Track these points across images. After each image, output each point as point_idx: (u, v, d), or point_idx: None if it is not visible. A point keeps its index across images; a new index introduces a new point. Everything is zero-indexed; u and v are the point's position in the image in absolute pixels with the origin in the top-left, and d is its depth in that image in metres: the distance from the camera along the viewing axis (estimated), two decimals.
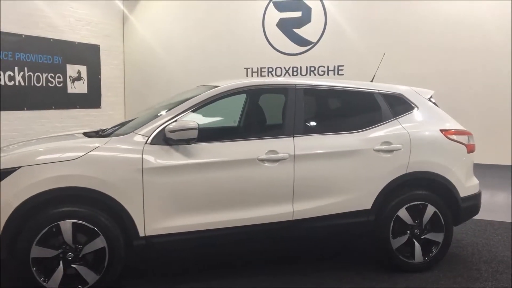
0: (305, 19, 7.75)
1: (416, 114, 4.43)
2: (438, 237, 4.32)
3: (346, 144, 4.12)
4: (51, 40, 7.64)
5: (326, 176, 4.05)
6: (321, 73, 7.83)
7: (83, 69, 8.31)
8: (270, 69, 8.16)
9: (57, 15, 7.74)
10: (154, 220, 3.67)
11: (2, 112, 6.81)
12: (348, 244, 5.06)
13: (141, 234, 3.66)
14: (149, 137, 3.74)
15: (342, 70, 7.67)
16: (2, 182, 3.44)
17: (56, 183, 3.48)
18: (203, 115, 4.31)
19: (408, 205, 4.24)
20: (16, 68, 7.08)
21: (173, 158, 3.72)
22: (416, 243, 4.26)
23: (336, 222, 4.10)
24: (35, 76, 7.38)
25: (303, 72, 7.91)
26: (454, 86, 6.67)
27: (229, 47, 8.33)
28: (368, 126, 4.26)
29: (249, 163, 3.87)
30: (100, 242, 3.58)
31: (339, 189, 4.08)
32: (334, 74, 7.72)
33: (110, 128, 4.29)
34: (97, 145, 3.66)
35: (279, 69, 8.10)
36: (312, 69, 7.87)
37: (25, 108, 7.25)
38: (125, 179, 3.60)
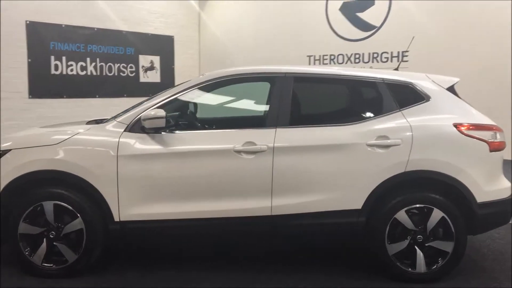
0: (369, 1, 7.25)
1: (427, 105, 3.89)
2: (447, 247, 3.78)
3: (334, 138, 3.78)
4: (123, 32, 8.19)
5: (310, 171, 3.77)
6: (384, 59, 7.29)
7: (156, 60, 8.77)
8: (332, 56, 7.82)
9: (130, 8, 8.25)
10: (128, 206, 3.77)
11: (75, 99, 7.52)
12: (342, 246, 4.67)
13: (116, 219, 3.78)
14: (128, 125, 3.84)
15: (406, 56, 7.04)
16: None
17: (39, 165, 3.75)
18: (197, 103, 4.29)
19: (408, 207, 3.77)
20: (88, 59, 7.73)
21: (147, 146, 3.77)
22: (418, 250, 3.78)
23: (321, 221, 3.80)
24: (107, 66, 7.99)
25: (365, 59, 7.44)
26: None
27: (294, 35, 8.16)
28: (365, 118, 3.86)
29: (225, 154, 3.76)
30: (78, 224, 3.78)
31: (325, 186, 3.77)
32: (398, 61, 7.11)
33: (112, 117, 4.48)
34: (78, 131, 3.86)
35: (341, 56, 7.72)
36: (375, 55, 7.36)
37: (97, 96, 7.90)
38: (100, 165, 3.75)
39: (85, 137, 3.83)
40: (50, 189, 3.79)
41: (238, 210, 3.78)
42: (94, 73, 7.76)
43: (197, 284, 3.73)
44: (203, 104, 4.59)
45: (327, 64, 7.78)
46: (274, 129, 3.81)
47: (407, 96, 3.94)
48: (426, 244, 3.78)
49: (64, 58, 7.36)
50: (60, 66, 7.33)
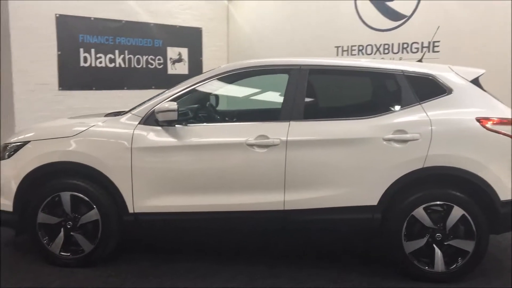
0: None
1: (448, 98, 3.72)
2: (467, 246, 3.63)
3: (349, 132, 3.68)
4: (151, 25, 8.24)
5: (324, 166, 3.69)
6: (414, 50, 7.04)
7: (184, 51, 8.79)
8: (361, 47, 7.62)
9: (158, 1, 8.27)
10: (142, 198, 3.79)
11: (103, 91, 7.63)
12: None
13: (130, 210, 3.81)
14: (142, 118, 3.85)
15: (437, 47, 6.78)
16: (15, 154, 3.91)
17: (55, 157, 3.83)
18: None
19: (426, 204, 3.63)
20: (116, 52, 7.82)
21: (160, 139, 3.78)
22: (436, 249, 3.65)
23: (335, 217, 3.72)
24: (135, 58, 8.07)
25: (395, 50, 7.20)
26: None
27: (321, 26, 7.99)
28: (382, 112, 3.73)
29: (237, 148, 3.72)
30: (94, 215, 3.84)
31: (339, 181, 3.68)
32: (429, 52, 6.86)
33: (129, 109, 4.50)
34: (93, 124, 3.90)
35: (370, 46, 7.51)
36: (405, 45, 7.12)
37: (125, 88, 7.99)
38: (115, 157, 3.78)
39: (100, 129, 3.87)
40: (67, 180, 3.86)
41: (251, 204, 3.74)
42: (123, 65, 7.86)
43: (209, 277, 3.73)
44: (218, 96, 4.56)
45: (355, 55, 7.62)
46: (288, 123, 3.74)
47: (428, 89, 3.78)
48: (445, 243, 3.64)
49: (93, 51, 7.47)
50: (89, 59, 7.44)
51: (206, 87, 4.01)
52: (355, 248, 4.46)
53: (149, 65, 8.25)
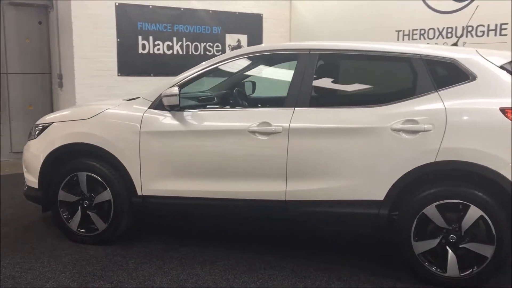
0: None
1: (471, 86, 3.33)
2: (485, 251, 3.25)
3: (355, 120, 3.44)
4: (210, 11, 8.33)
5: (327, 156, 3.49)
6: (479, 33, 6.40)
7: (243, 38, 8.79)
8: (422, 31, 7.09)
9: None
10: (149, 181, 3.86)
11: (161, 77, 7.87)
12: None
13: (139, 192, 3.90)
14: (152, 102, 3.91)
15: (505, 29, 6.11)
16: (41, 135, 4.16)
17: (72, 138, 4.01)
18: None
19: (439, 202, 3.30)
20: (174, 39, 8.02)
21: (166, 123, 3.81)
22: (450, 252, 3.31)
23: (338, 210, 3.52)
24: (193, 45, 8.22)
25: (458, 34, 6.58)
26: None
27: (382, 9, 7.55)
28: (394, 99, 3.43)
29: (240, 134, 3.64)
30: (107, 195, 3.98)
31: (343, 173, 3.47)
32: (496, 35, 6.21)
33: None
34: (107, 107, 4.03)
35: (432, 30, 6.96)
36: (469, 29, 6.49)
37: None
38: (124, 140, 3.88)
39: (113, 113, 3.99)
40: (84, 161, 4.04)
41: (252, 193, 3.66)
42: (180, 52, 8.05)
43: (209, 264, 3.72)
44: (225, 82, 4.49)
45: (416, 40, 7.11)
46: (292, 109, 3.59)
47: (448, 75, 3.42)
48: (460, 246, 3.29)
49: (151, 38, 7.73)
50: (147, 46, 7.71)
51: (213, 73, 3.96)
52: (368, 244, 4.20)
53: (207, 52, 8.35)
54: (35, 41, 7.99)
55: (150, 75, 7.81)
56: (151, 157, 3.83)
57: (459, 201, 3.26)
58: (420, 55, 3.47)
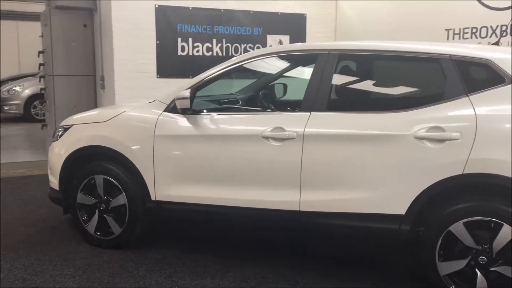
0: None
1: (506, 90, 2.96)
2: None
3: (376, 126, 3.16)
4: (251, 12, 8.18)
5: (344, 164, 3.23)
6: None
7: (285, 39, 8.57)
8: (474, 30, 6.58)
9: None
10: (163, 186, 3.76)
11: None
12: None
13: (153, 198, 3.81)
14: (168, 105, 3.80)
15: None
16: (62, 137, 4.17)
17: (89, 141, 3.99)
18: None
19: (468, 219, 2.96)
20: (214, 40, 7.95)
21: (180, 127, 3.69)
22: (479, 275, 2.96)
23: (355, 224, 3.25)
24: (233, 47, 8.10)
25: None
26: None
27: (431, 6, 7.09)
28: (419, 104, 3.12)
29: (253, 140, 3.45)
30: (122, 199, 3.91)
31: (362, 183, 3.20)
32: None
33: None
34: (123, 110, 3.97)
35: (484, 28, 6.44)
36: None
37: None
38: (139, 143, 3.80)
39: (129, 115, 3.93)
40: (101, 164, 4.00)
41: (265, 202, 3.46)
42: (220, 54, 7.96)
43: (220, 274, 3.56)
44: (239, 85, 4.31)
45: (467, 39, 6.61)
46: (309, 114, 3.36)
47: (481, 77, 3.07)
48: (491, 269, 2.94)
49: (190, 40, 7.70)
50: (187, 48, 7.68)
51: (228, 75, 3.81)
52: (393, 261, 3.87)
53: None
54: (81, 43, 8.18)
55: (189, 77, 7.75)
56: (165, 161, 3.73)
57: (491, 219, 2.91)
58: (450, 55, 3.13)
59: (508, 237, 2.87)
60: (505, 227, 2.87)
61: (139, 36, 7.25)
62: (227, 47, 8.03)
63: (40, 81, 9.32)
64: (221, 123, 3.64)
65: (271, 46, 8.21)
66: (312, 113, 3.34)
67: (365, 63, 3.57)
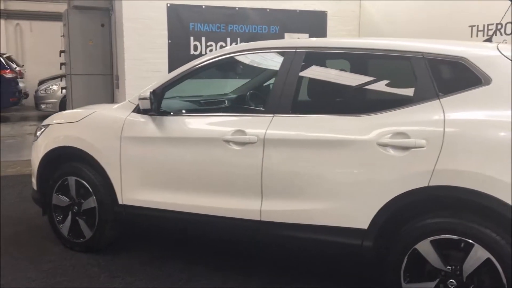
0: None
1: (483, 91, 2.60)
2: None
3: (337, 131, 2.88)
4: (267, 10, 7.95)
5: (304, 172, 2.97)
6: None
7: (304, 37, 8.28)
8: (499, 26, 6.05)
9: None
10: (128, 190, 3.62)
11: (212, 79, 7.68)
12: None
13: (120, 201, 3.68)
14: (136, 106, 3.66)
15: None
16: (40, 137, 4.13)
17: (61, 141, 3.92)
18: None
19: (435, 237, 2.63)
20: (228, 39, 7.77)
21: (143, 129, 3.54)
22: None
23: (317, 237, 2.97)
24: None
25: None
26: None
27: (453, 3, 6.62)
28: (385, 108, 2.80)
29: (213, 143, 3.25)
30: (92, 202, 3.81)
31: (322, 193, 2.92)
32: None
33: None
34: (95, 110, 3.87)
35: (510, 25, 5.90)
36: None
37: (237, 77, 7.91)
38: (107, 145, 3.69)
39: (98, 116, 3.83)
40: (73, 165, 3.92)
41: (226, 210, 3.25)
42: None
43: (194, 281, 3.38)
44: (205, 85, 4.11)
45: (491, 36, 6.10)
46: (271, 117, 3.11)
47: (456, 78, 2.74)
48: None
49: (203, 39, 7.56)
50: (199, 47, 7.55)
51: (194, 75, 3.64)
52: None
53: None
54: (98, 43, 8.23)
55: (201, 77, 7.66)
56: (130, 164, 3.60)
57: (460, 238, 2.56)
58: (422, 53, 2.80)
59: (480, 259, 2.51)
60: (477, 248, 2.52)
61: (150, 35, 7.19)
62: None
63: (61, 80, 9.50)
64: (184, 125, 3.46)
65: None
66: (274, 115, 3.10)
67: (333, 62, 3.27)
